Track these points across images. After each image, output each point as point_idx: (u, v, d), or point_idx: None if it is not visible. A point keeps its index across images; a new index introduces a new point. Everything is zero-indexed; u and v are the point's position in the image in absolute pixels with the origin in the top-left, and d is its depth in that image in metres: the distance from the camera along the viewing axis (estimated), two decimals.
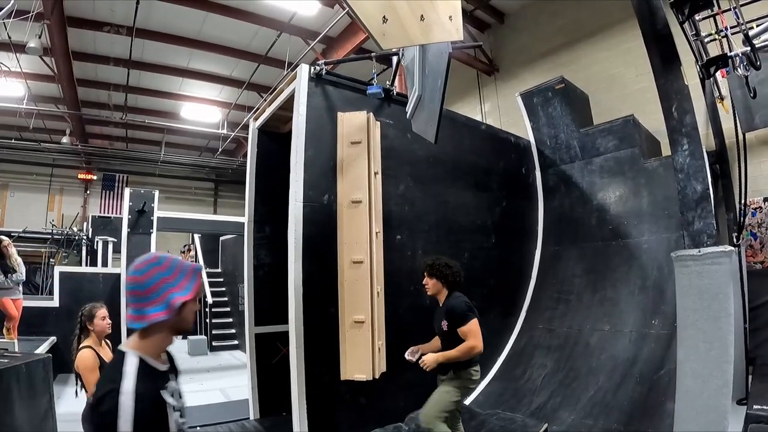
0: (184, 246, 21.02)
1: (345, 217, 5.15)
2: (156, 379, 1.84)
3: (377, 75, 5.81)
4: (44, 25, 10.54)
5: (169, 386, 1.91)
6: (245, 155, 7.05)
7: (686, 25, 4.70)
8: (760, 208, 7.85)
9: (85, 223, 19.65)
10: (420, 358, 4.32)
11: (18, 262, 7.85)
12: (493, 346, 7.08)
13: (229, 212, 20.90)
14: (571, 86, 8.11)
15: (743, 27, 4.87)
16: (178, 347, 13.49)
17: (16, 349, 7.00)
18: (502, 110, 12.51)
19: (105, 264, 15.10)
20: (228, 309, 13.95)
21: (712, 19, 5.26)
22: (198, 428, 6.04)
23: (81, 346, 4.13)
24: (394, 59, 6.09)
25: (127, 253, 9.30)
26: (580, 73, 9.84)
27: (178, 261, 1.97)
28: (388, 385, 5.00)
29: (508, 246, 7.57)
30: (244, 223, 6.58)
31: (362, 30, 3.11)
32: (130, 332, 1.95)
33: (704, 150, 5.35)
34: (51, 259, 17.82)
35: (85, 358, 4.03)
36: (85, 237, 17.97)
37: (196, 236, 15.19)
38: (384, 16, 3.03)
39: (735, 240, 6.80)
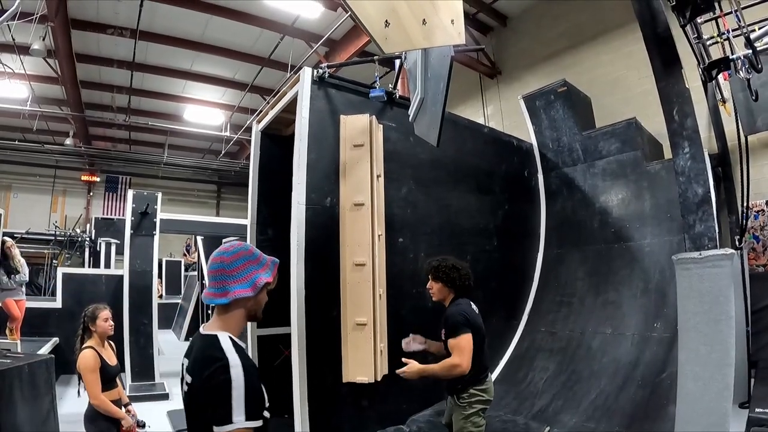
0: (186, 246, 21.14)
1: (347, 219, 5.15)
2: (245, 354, 1.92)
3: (380, 78, 5.80)
4: (48, 28, 10.60)
5: None
6: (248, 158, 7.07)
7: (688, 28, 4.71)
8: (763, 210, 7.85)
9: (88, 225, 19.75)
10: (414, 359, 3.95)
11: (21, 263, 7.89)
12: (495, 349, 7.07)
13: (231, 214, 20.94)
14: (573, 89, 8.10)
15: (744, 30, 4.88)
16: (181, 349, 13.50)
17: (19, 350, 7.02)
18: (505, 113, 12.54)
19: (108, 265, 15.16)
20: None
21: (714, 21, 5.27)
22: None
23: (83, 346, 4.15)
24: (397, 62, 6.11)
25: (130, 254, 9.31)
26: (582, 76, 9.85)
27: (259, 251, 2.12)
28: (389, 388, 4.99)
29: (511, 249, 7.57)
30: (246, 226, 6.58)
31: (365, 33, 3.11)
32: (203, 311, 2.05)
33: (706, 153, 5.37)
34: (54, 261, 17.85)
35: (86, 358, 4.05)
36: (87, 238, 18.02)
37: (199, 238, 15.19)
38: (386, 20, 3.03)
39: (737, 243, 6.82)
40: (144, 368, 8.98)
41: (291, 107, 5.56)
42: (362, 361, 4.87)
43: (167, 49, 13.43)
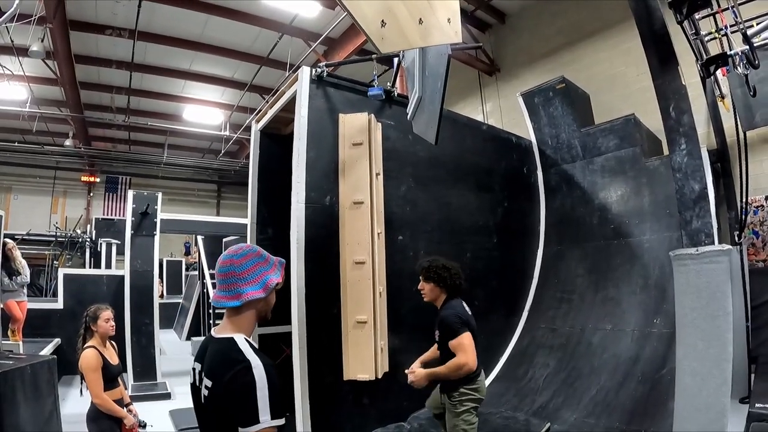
0: (186, 245, 21.15)
1: (347, 218, 5.17)
2: (263, 353, 1.94)
3: (378, 76, 5.82)
4: (47, 29, 10.61)
5: None
6: (248, 157, 7.07)
7: (686, 24, 4.71)
8: (762, 206, 7.86)
9: (88, 226, 19.77)
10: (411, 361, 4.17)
11: (22, 264, 7.91)
12: (495, 346, 7.10)
13: (231, 214, 20.97)
14: (572, 86, 8.10)
15: (741, 26, 4.88)
16: (182, 348, 13.55)
17: (21, 351, 7.05)
18: (504, 110, 12.54)
19: (108, 266, 15.18)
20: None
21: (712, 17, 5.27)
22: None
23: (85, 346, 4.17)
24: (395, 61, 6.11)
25: (131, 255, 9.32)
26: (581, 73, 9.85)
27: (266, 252, 2.13)
28: (390, 385, 5.01)
29: (510, 246, 7.58)
30: (246, 225, 6.59)
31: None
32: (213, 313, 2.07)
33: (704, 149, 5.38)
34: (55, 262, 17.90)
35: (88, 358, 4.06)
36: (88, 239, 18.05)
37: (200, 238, 15.21)
38: (382, 20, 3.04)
39: (737, 238, 6.82)
40: (146, 368, 8.99)
41: (290, 106, 5.56)
42: (363, 358, 4.89)
43: (166, 49, 13.44)
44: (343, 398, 5.01)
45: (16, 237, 13.32)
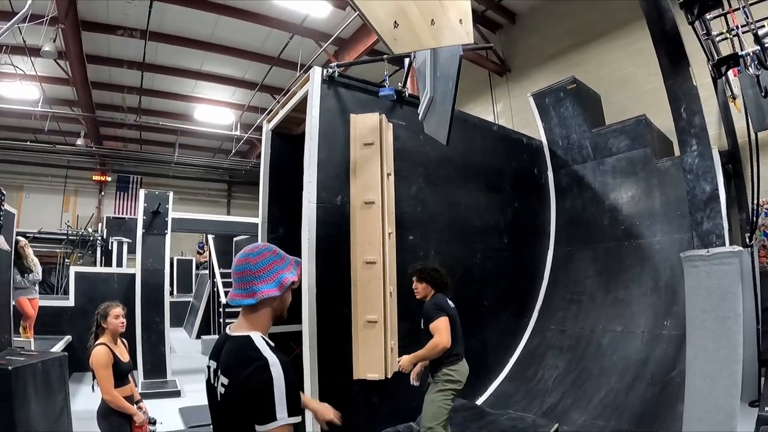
0: (199, 244, 21.23)
1: (358, 217, 5.18)
2: (281, 352, 1.95)
3: (389, 76, 5.83)
4: (59, 29, 10.67)
5: None
6: (258, 156, 7.10)
7: (697, 25, 4.70)
8: None
9: (99, 224, 19.85)
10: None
11: (34, 262, 7.96)
12: (505, 347, 7.10)
13: (242, 213, 21.04)
14: (582, 86, 8.09)
15: (753, 26, 4.86)
16: (192, 347, 13.61)
17: (33, 348, 7.10)
18: (514, 111, 12.51)
19: (120, 264, 15.26)
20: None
21: (723, 18, 5.25)
22: (211, 427, 6.10)
23: (96, 343, 4.19)
24: (406, 61, 6.13)
25: (142, 253, 9.37)
26: (591, 74, 9.82)
27: (282, 251, 2.14)
28: (400, 385, 5.01)
29: (521, 246, 7.58)
30: (257, 224, 6.62)
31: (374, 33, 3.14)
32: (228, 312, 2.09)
33: (716, 150, 5.36)
34: (66, 260, 17.97)
35: (99, 354, 4.09)
36: (99, 238, 18.12)
37: (210, 237, 15.26)
38: (395, 21, 3.06)
39: (748, 240, 6.78)
40: (156, 366, 9.03)
41: (301, 106, 5.59)
42: (373, 358, 4.91)
43: (177, 50, 13.48)
44: (353, 397, 5.02)
45: (28, 235, 13.37)
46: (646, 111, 7.49)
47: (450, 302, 4.67)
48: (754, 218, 6.86)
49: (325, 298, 4.89)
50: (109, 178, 22.16)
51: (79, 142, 18.38)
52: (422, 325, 4.57)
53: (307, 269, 4.84)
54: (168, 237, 9.74)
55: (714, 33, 5.25)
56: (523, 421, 5.49)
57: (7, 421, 4.34)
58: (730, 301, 3.44)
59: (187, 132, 18.69)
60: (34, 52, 11.28)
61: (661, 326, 6.05)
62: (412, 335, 5.12)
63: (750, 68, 5.04)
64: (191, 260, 20.65)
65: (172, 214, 9.88)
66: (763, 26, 5.20)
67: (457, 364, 4.53)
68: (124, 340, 4.51)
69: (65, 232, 18.81)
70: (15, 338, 7.22)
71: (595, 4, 10.48)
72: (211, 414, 2.08)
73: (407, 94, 6.07)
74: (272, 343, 1.98)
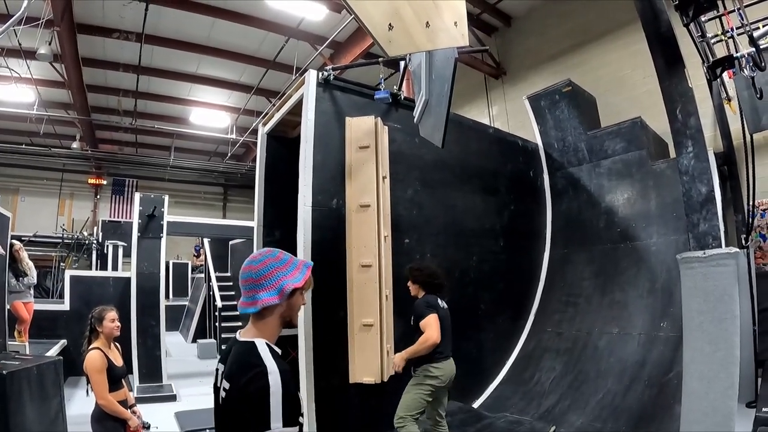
0: (196, 247, 21.19)
1: (353, 221, 5.18)
2: (282, 360, 1.94)
3: (385, 79, 5.83)
4: (54, 32, 10.64)
5: None
6: (254, 160, 7.10)
7: (692, 27, 4.70)
8: None
9: (95, 228, 19.80)
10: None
11: (29, 265, 7.92)
12: (501, 350, 7.09)
13: (238, 216, 20.96)
14: (578, 89, 8.10)
15: (748, 28, 4.86)
16: (188, 351, 13.57)
17: (27, 352, 7.07)
18: (510, 113, 12.52)
19: (115, 268, 15.18)
20: (238, 313, 13.85)
21: (718, 20, 5.25)
22: (207, 430, 6.08)
23: (90, 347, 4.17)
24: (402, 64, 6.12)
25: (137, 257, 9.35)
26: (587, 76, 9.84)
27: (290, 255, 2.12)
28: (397, 388, 5.00)
29: (517, 249, 7.58)
30: (253, 228, 6.61)
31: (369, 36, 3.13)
32: (240, 319, 2.10)
33: (711, 152, 5.35)
34: (61, 263, 17.91)
35: (93, 359, 4.06)
36: (95, 241, 18.08)
37: (206, 240, 15.23)
38: (390, 24, 3.05)
39: (744, 242, 6.79)
40: (151, 370, 9.00)
41: (296, 109, 5.58)
42: (369, 361, 4.90)
43: (173, 53, 13.47)
44: (349, 401, 5.02)
45: (23, 238, 13.32)
46: (641, 113, 7.49)
47: (442, 302, 4.72)
48: (750, 219, 6.87)
49: (320, 301, 4.87)
50: (104, 182, 22.12)
51: (75, 145, 18.36)
52: (412, 322, 4.64)
53: None
54: (163, 240, 9.72)
55: (709, 35, 5.24)
56: (520, 424, 5.48)
57: (2, 425, 4.32)
58: (727, 302, 3.43)
59: (183, 135, 18.67)
60: (30, 54, 11.26)
61: (657, 328, 6.04)
62: (407, 338, 5.11)
63: (745, 70, 5.03)
64: (187, 264, 20.59)
65: (168, 218, 9.87)
66: (758, 28, 5.22)
67: (442, 363, 4.56)
68: (118, 344, 4.49)
69: (60, 235, 18.80)
70: (10, 342, 7.20)
71: (591, 7, 10.50)
72: (215, 418, 2.06)
73: (403, 97, 6.07)
74: (278, 350, 1.97)
